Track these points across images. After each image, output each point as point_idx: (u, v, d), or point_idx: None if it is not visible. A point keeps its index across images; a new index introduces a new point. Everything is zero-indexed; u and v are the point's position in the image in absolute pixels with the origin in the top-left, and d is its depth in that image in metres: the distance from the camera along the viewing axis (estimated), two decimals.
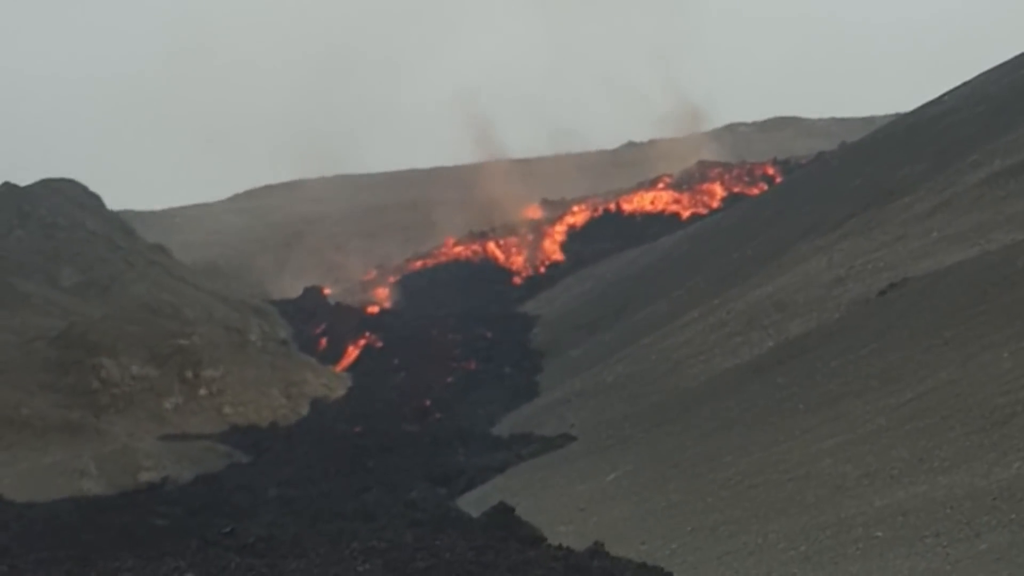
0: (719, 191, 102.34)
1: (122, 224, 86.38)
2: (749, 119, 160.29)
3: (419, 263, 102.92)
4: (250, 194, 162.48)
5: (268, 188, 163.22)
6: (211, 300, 77.47)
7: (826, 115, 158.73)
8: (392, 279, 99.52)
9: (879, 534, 21.34)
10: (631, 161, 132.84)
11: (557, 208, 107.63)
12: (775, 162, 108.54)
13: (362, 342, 76.60)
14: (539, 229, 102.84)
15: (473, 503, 36.80)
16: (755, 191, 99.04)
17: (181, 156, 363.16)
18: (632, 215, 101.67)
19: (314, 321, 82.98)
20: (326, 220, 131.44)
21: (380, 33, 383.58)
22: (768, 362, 39.48)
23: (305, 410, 62.70)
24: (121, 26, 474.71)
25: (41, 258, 75.55)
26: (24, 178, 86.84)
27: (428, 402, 61.62)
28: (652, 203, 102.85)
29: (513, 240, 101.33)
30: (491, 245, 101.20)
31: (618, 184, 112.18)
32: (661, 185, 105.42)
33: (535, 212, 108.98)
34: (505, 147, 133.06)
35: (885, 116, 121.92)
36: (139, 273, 76.67)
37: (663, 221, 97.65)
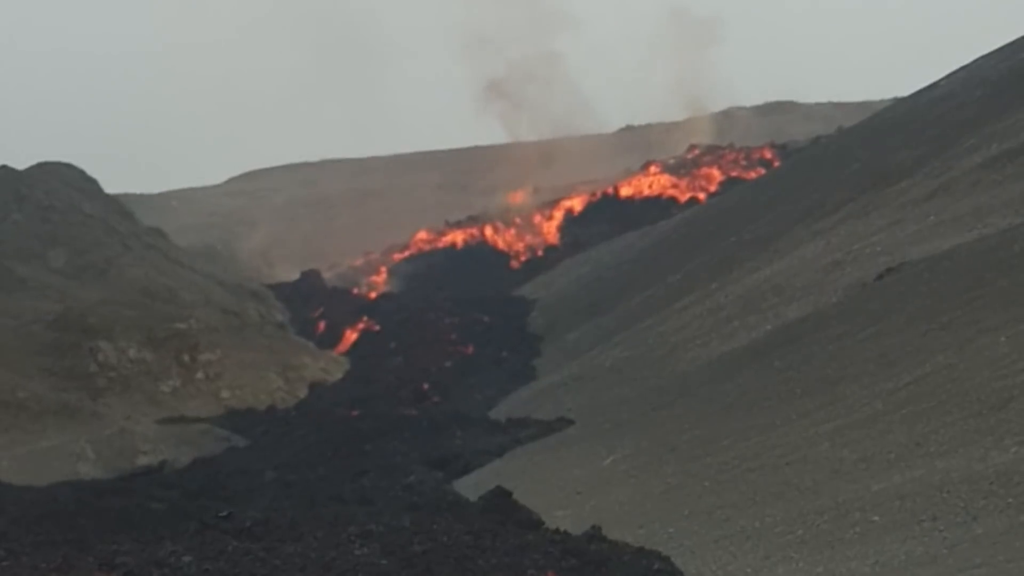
0: (717, 175, 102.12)
1: (119, 207, 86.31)
2: (747, 103, 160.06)
3: (411, 249, 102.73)
4: (247, 176, 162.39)
5: (265, 171, 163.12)
6: (208, 283, 77.48)
7: (824, 99, 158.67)
8: (388, 264, 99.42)
9: (876, 518, 21.36)
10: (629, 145, 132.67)
11: (554, 192, 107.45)
12: (772, 146, 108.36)
13: (360, 326, 76.55)
14: (536, 213, 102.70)
15: (470, 487, 36.77)
16: (752, 175, 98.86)
17: (178, 138, 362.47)
18: (630, 199, 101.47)
19: (312, 305, 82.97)
20: (323, 203, 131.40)
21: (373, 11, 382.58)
22: (765, 346, 39.47)
23: (303, 394, 62.72)
24: (117, 6, 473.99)
25: (38, 241, 75.51)
26: (21, 161, 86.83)
27: (425, 386, 61.54)
28: (650, 187, 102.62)
29: (510, 224, 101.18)
30: (488, 229, 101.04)
31: (616, 168, 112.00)
32: (654, 169, 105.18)
33: (532, 196, 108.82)
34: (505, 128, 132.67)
35: (882, 100, 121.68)
36: (136, 256, 76.65)
37: (661, 205, 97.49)
